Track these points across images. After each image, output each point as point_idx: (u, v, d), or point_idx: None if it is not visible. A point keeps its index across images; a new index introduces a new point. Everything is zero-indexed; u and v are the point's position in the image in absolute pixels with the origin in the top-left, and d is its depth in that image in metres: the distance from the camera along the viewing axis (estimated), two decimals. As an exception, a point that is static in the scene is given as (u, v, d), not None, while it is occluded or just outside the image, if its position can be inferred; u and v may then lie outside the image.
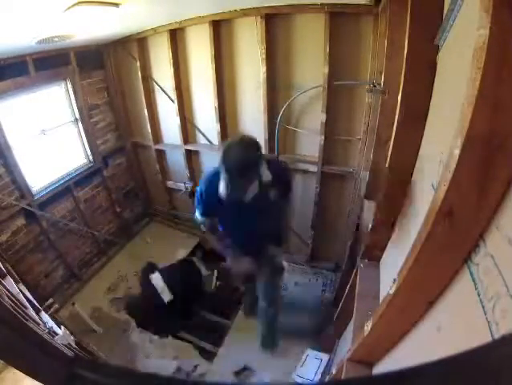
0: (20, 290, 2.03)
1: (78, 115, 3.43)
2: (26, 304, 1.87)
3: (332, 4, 2.30)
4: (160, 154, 4.08)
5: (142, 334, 3.05)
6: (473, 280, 0.57)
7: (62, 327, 1.89)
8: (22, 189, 2.94)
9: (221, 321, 3.18)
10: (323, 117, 2.76)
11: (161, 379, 0.25)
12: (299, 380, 2.47)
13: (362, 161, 2.69)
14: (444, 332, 0.67)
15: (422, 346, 0.78)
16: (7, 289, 1.73)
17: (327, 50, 2.47)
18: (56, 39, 2.47)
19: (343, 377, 1.22)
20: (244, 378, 2.62)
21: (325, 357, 2.60)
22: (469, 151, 0.52)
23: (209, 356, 2.86)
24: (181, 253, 4.11)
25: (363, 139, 2.69)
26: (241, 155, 1.59)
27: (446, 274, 0.66)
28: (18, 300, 1.74)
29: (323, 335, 2.78)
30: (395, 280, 0.85)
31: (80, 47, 3.16)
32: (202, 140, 3.67)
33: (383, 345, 1.00)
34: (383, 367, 1.04)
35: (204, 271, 3.45)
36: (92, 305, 3.36)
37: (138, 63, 3.46)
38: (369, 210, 1.97)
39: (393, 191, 1.43)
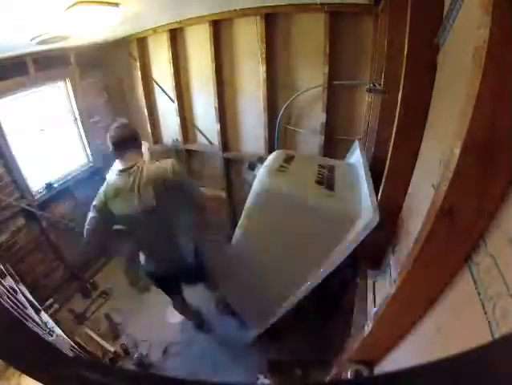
0: (20, 290, 2.03)
1: (78, 115, 3.43)
2: (26, 304, 1.86)
3: (332, 4, 2.30)
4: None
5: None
6: (474, 280, 0.57)
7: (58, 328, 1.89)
8: (22, 189, 2.94)
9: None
10: (323, 117, 2.76)
11: (162, 379, 0.25)
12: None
13: (362, 161, 2.69)
14: (444, 332, 0.66)
15: (422, 346, 0.78)
16: (7, 290, 1.73)
17: (327, 50, 2.47)
18: (56, 39, 2.47)
19: (342, 377, 1.22)
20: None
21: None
22: (469, 151, 0.52)
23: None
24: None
25: (363, 139, 2.69)
26: (123, 126, 1.82)
27: (446, 274, 0.66)
28: (18, 300, 1.73)
29: None
30: (395, 280, 0.85)
31: (80, 47, 3.16)
32: (202, 140, 3.67)
33: (383, 345, 0.99)
34: (383, 367, 1.04)
35: None
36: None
37: (138, 63, 3.46)
38: (369, 210, 1.97)
39: (393, 191, 1.43)
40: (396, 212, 1.45)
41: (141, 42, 3.38)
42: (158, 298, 3.40)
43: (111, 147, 1.82)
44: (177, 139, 3.73)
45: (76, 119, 3.45)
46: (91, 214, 1.77)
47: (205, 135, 3.61)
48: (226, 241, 2.48)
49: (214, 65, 2.97)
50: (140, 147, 1.91)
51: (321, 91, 2.68)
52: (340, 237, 1.58)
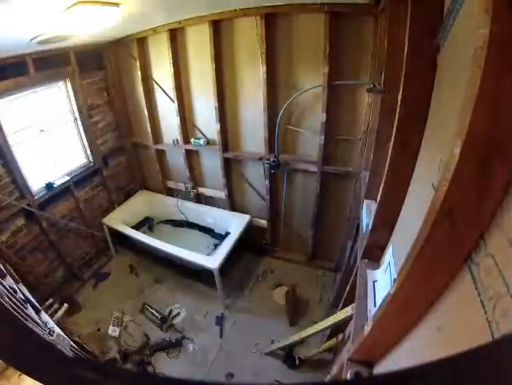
0: (20, 290, 2.03)
1: (78, 115, 3.43)
2: (26, 304, 1.86)
3: (332, 4, 2.30)
4: (160, 154, 4.08)
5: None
6: (474, 280, 0.57)
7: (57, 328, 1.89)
8: (22, 189, 2.94)
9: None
10: (323, 117, 2.76)
11: (161, 379, 0.25)
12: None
13: (362, 161, 2.70)
14: (444, 332, 0.66)
15: (422, 346, 0.78)
16: (7, 290, 1.73)
17: (327, 50, 2.47)
18: (56, 39, 2.47)
19: (343, 377, 1.22)
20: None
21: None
22: (469, 150, 0.52)
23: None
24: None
25: (363, 139, 2.69)
26: None
27: (446, 274, 0.66)
28: (18, 300, 1.73)
29: None
30: (395, 280, 0.85)
31: (80, 47, 3.16)
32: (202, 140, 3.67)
33: (383, 345, 0.99)
34: (383, 367, 1.04)
35: None
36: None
37: (138, 63, 3.46)
38: (369, 210, 1.97)
39: (393, 191, 1.43)
40: (396, 212, 1.45)
41: (141, 41, 3.37)
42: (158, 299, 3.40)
43: None
44: (177, 140, 3.73)
45: (76, 119, 3.45)
46: None
47: (205, 135, 3.61)
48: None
49: (214, 65, 2.97)
50: None
51: (321, 90, 2.68)
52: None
